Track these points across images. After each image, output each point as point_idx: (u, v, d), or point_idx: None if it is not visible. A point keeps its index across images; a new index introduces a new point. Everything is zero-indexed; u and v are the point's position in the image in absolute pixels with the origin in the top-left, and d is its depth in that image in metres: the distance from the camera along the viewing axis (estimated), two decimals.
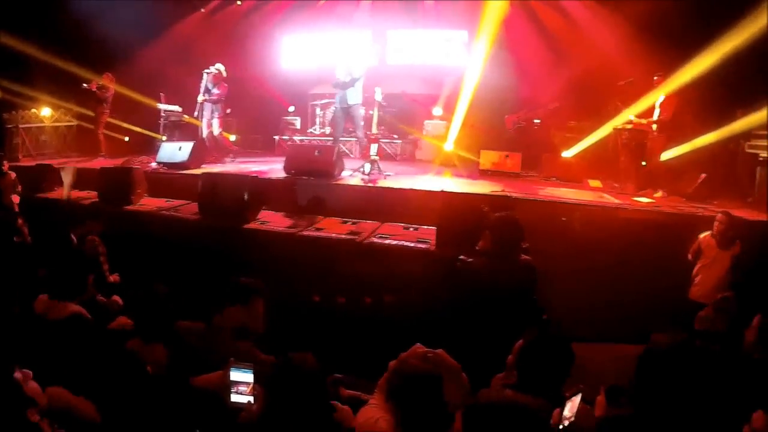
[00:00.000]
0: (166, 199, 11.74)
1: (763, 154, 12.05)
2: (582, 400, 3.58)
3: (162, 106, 16.32)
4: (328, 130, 17.96)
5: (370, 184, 12.13)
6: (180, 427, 4.01)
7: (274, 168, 13.65)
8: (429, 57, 19.06)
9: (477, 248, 5.93)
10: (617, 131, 13.51)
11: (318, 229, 9.67)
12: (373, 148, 13.33)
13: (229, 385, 4.02)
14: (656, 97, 12.63)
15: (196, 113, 15.37)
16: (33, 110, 17.33)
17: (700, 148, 12.75)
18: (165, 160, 13.96)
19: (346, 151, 16.17)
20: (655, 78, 12.77)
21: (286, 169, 12.52)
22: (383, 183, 12.28)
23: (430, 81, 18.96)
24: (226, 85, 15.24)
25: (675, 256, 9.15)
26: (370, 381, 4.42)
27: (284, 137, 18.48)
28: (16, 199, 10.79)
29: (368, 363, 4.64)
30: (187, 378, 4.41)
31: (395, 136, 18.00)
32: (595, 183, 13.56)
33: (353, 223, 9.97)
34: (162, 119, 16.37)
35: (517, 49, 17.10)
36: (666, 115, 12.38)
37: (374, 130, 13.93)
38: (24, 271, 6.49)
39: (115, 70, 16.83)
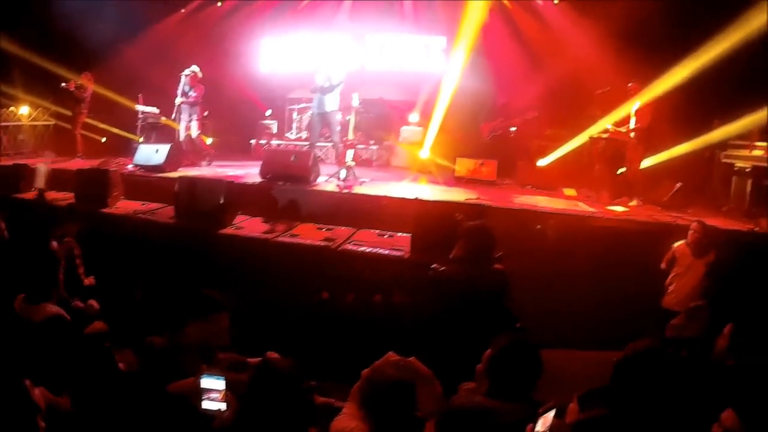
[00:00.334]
0: (142, 202, 11.72)
1: (738, 163, 12.22)
2: (555, 415, 3.63)
3: (140, 108, 16.31)
4: (304, 134, 17.97)
5: (345, 191, 12.14)
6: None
7: (250, 172, 13.65)
8: (407, 62, 19.08)
9: (450, 256, 5.97)
10: (593, 140, 13.57)
11: (293, 235, 9.69)
12: (349, 154, 13.35)
13: (200, 392, 4.06)
14: (631, 105, 12.70)
15: (173, 115, 15.29)
16: (11, 109, 17.27)
17: (676, 157, 12.90)
18: (142, 163, 13.91)
19: (322, 156, 16.19)
20: (630, 85, 12.81)
21: (262, 173, 12.53)
22: (359, 189, 12.30)
23: (407, 87, 19.01)
24: (202, 87, 15.18)
25: (649, 265, 9.20)
26: (342, 385, 4.45)
27: (261, 141, 18.47)
28: None
29: (342, 370, 4.67)
30: (161, 383, 4.41)
31: (372, 142, 18.00)
32: (570, 191, 13.61)
33: (328, 230, 9.99)
34: (139, 121, 16.36)
35: (494, 57, 17.18)
36: (642, 124, 12.44)
37: (350, 135, 13.99)
38: (2, 269, 6.46)
39: (93, 69, 16.74)
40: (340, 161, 13.76)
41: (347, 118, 14.58)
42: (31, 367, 4.08)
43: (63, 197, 11.71)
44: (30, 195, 11.87)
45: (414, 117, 17.96)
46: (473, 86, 16.79)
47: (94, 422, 4.04)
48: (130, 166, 14.21)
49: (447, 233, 6.94)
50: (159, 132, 16.58)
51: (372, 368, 4.30)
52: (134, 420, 3.99)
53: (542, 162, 14.82)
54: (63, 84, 16.14)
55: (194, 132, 15.29)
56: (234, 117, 19.55)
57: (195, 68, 15.15)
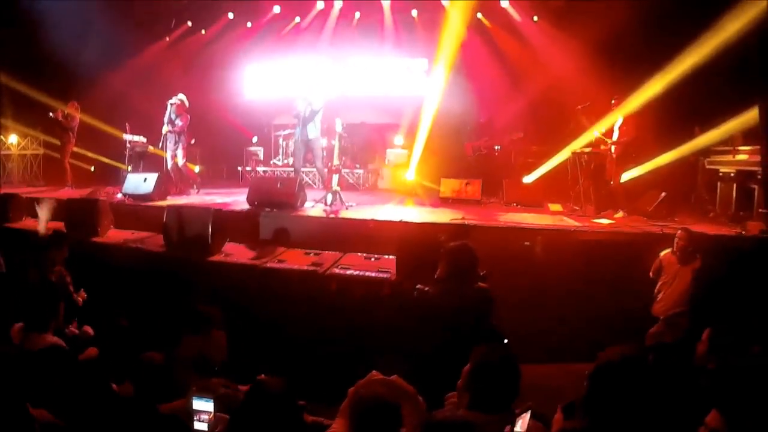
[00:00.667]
0: (132, 231, 11.74)
1: (723, 169, 12.43)
2: (532, 416, 3.71)
3: (127, 137, 16.32)
4: (291, 160, 17.99)
5: (332, 215, 12.19)
6: None
7: (237, 199, 13.76)
8: (390, 86, 19.35)
9: (435, 277, 6.03)
10: (576, 155, 13.68)
11: (281, 261, 9.70)
12: (335, 179, 13.45)
13: (191, 413, 4.14)
14: (615, 120, 12.85)
15: (160, 144, 15.30)
16: (0, 137, 17.29)
17: (660, 166, 13.00)
18: (130, 192, 13.95)
19: (309, 181, 16.30)
20: (613, 101, 12.97)
21: (249, 200, 12.60)
22: (345, 214, 12.35)
23: (391, 110, 19.19)
24: (188, 115, 15.22)
25: (636, 275, 9.27)
26: (332, 406, 4.52)
27: (248, 168, 18.57)
28: None
29: (330, 389, 4.74)
30: (154, 403, 4.48)
31: (357, 166, 18.13)
32: (555, 207, 13.67)
33: (315, 254, 10.02)
34: (127, 149, 16.38)
35: (475, 76, 17.42)
36: (626, 137, 12.59)
37: (335, 161, 14.05)
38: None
39: (80, 98, 16.78)
40: (327, 186, 13.81)
41: (332, 143, 14.66)
42: (28, 394, 4.16)
43: (53, 226, 11.72)
44: (21, 224, 11.90)
45: (399, 140, 18.09)
46: (455, 106, 16.98)
47: None
48: (119, 195, 14.27)
49: (431, 254, 7.02)
50: (147, 161, 16.62)
51: (357, 386, 4.38)
52: None
53: (527, 179, 14.94)
54: (51, 114, 16.19)
55: (180, 160, 15.32)
56: (221, 144, 19.70)
57: (182, 96, 15.20)
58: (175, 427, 4.21)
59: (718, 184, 12.51)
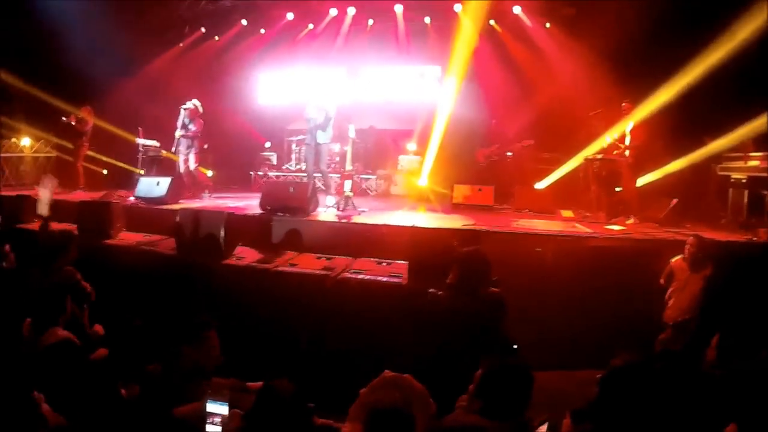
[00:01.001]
0: (144, 234, 11.75)
1: (734, 175, 12.39)
2: (549, 429, 3.71)
3: (140, 141, 16.38)
4: (304, 165, 17.96)
5: (344, 221, 12.21)
6: None
7: (250, 204, 13.76)
8: (403, 92, 19.43)
9: (447, 282, 6.03)
10: (588, 161, 13.71)
11: (293, 265, 9.71)
12: (347, 185, 13.50)
13: (204, 416, 4.15)
14: (626, 125, 12.83)
15: (173, 148, 15.35)
16: (13, 140, 17.40)
17: (671, 173, 12.99)
18: (143, 195, 14.02)
19: (322, 186, 16.32)
20: (623, 105, 12.98)
21: (261, 205, 12.60)
22: (357, 219, 12.36)
23: (404, 116, 19.24)
24: (201, 120, 15.28)
25: (648, 282, 9.21)
26: (343, 410, 4.52)
27: (260, 173, 18.60)
28: None
29: (340, 393, 4.74)
30: (167, 408, 4.50)
31: (370, 172, 18.16)
32: (567, 213, 13.63)
33: (327, 259, 10.01)
34: (140, 153, 16.44)
35: (488, 82, 17.41)
36: (637, 142, 12.59)
37: (348, 166, 14.07)
38: (12, 297, 6.51)
39: (94, 103, 16.90)
40: (339, 191, 13.82)
41: (345, 148, 14.68)
42: (38, 388, 4.18)
43: (65, 228, 11.76)
44: (33, 225, 11.94)
45: (412, 146, 18.10)
46: (468, 113, 17.00)
47: None
48: (131, 199, 14.31)
49: (443, 259, 7.02)
50: (160, 165, 16.69)
51: (370, 387, 4.38)
52: None
53: (539, 185, 14.94)
54: (63, 118, 16.30)
55: (192, 164, 15.38)
56: (234, 149, 19.69)
57: (196, 102, 15.26)
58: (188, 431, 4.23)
59: (729, 190, 12.47)
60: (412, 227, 10.87)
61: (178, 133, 15.17)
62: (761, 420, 3.79)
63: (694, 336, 8.18)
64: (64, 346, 5.27)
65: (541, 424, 3.67)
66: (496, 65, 17.54)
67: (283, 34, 20.39)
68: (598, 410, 3.78)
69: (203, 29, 20.53)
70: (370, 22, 19.69)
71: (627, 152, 12.75)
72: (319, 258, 10.10)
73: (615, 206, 12.99)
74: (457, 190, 15.06)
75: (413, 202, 15.68)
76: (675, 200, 12.45)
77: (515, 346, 5.72)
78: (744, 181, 12.10)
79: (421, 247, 8.69)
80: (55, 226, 11.51)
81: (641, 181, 12.93)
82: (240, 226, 10.98)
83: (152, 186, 14.04)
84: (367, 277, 8.96)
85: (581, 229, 11.91)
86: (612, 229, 11.81)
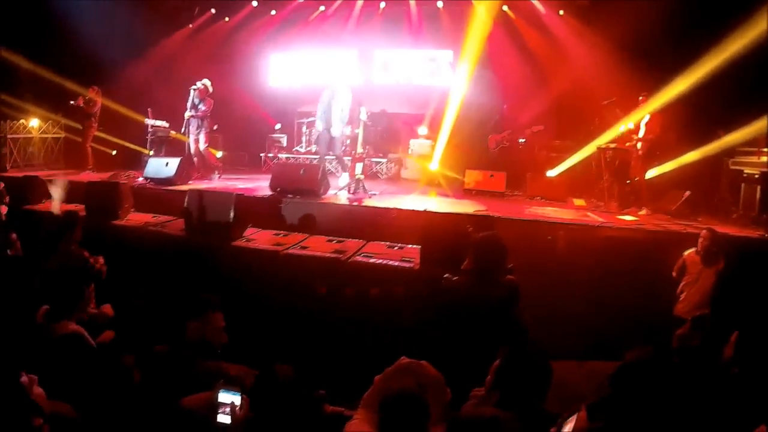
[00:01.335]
0: (152, 215, 11.68)
1: (747, 170, 12.27)
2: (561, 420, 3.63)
3: (149, 122, 16.37)
4: (314, 148, 18.03)
5: (355, 203, 12.18)
6: None
7: (260, 185, 13.74)
8: (415, 76, 19.30)
9: (462, 267, 5.95)
10: (601, 150, 13.61)
11: (303, 248, 9.65)
12: (358, 168, 13.43)
13: (216, 406, 4.06)
14: (642, 116, 12.74)
15: (183, 129, 15.31)
16: (21, 121, 17.30)
17: (684, 165, 12.89)
18: (152, 176, 14.00)
19: (332, 169, 16.22)
20: (641, 98, 12.93)
21: (271, 187, 12.59)
22: (368, 202, 12.33)
23: (416, 100, 19.14)
24: (211, 100, 15.23)
25: (659, 274, 9.16)
26: (355, 396, 4.46)
27: (270, 155, 18.54)
28: (3, 209, 10.74)
29: (354, 378, 4.68)
30: (171, 392, 4.43)
31: (381, 155, 18.08)
32: (579, 202, 13.64)
33: (338, 242, 9.95)
34: (149, 134, 16.42)
35: (500, 68, 17.32)
36: (652, 134, 12.53)
37: (359, 149, 13.98)
38: (19, 284, 6.43)
39: (103, 84, 16.79)
40: (350, 174, 13.77)
41: (356, 131, 14.58)
42: (46, 378, 4.10)
43: (73, 209, 11.69)
44: (40, 206, 11.88)
45: (423, 130, 18.01)
46: (480, 98, 16.92)
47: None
48: (140, 179, 14.31)
49: (456, 244, 6.95)
50: (168, 145, 16.69)
51: (385, 374, 4.31)
52: None
53: (551, 173, 14.86)
54: (72, 102, 16.24)
55: (202, 145, 15.33)
56: (244, 131, 19.65)
57: (206, 82, 15.22)
58: (197, 423, 4.15)
59: (742, 185, 12.33)
60: (425, 212, 10.80)
61: (188, 113, 15.10)
62: None
63: (710, 332, 8.11)
64: (72, 340, 5.19)
65: (572, 415, 3.59)
66: (509, 51, 17.41)
67: (294, 16, 20.24)
68: (613, 405, 3.69)
69: (213, 10, 20.40)
70: (382, 4, 19.52)
71: (639, 144, 12.67)
72: (330, 241, 10.04)
73: (627, 196, 12.92)
74: (469, 176, 15.02)
75: (424, 187, 15.64)
76: (688, 192, 12.37)
77: (528, 334, 5.66)
78: (757, 176, 11.96)
79: (433, 232, 8.62)
80: (64, 207, 11.49)
81: (651, 173, 12.84)
82: (250, 208, 10.95)
83: (161, 166, 14.01)
84: (379, 261, 8.90)
85: (593, 218, 11.87)
86: (624, 220, 11.75)
